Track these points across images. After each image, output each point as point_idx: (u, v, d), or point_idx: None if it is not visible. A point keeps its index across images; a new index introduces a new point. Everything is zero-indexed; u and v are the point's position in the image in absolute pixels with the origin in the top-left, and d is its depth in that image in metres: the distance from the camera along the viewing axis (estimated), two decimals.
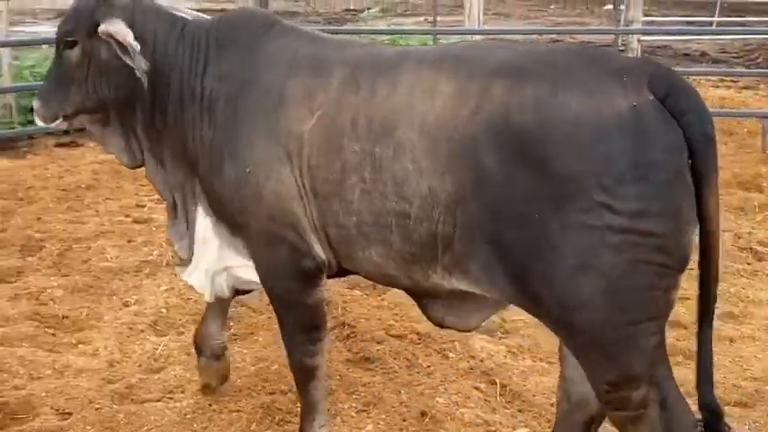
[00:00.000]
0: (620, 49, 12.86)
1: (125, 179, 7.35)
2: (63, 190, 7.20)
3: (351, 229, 3.09)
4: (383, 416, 3.93)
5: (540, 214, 2.65)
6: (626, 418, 2.78)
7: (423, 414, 3.91)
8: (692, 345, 4.64)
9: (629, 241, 2.58)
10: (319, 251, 3.25)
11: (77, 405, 3.94)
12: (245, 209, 3.28)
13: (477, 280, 2.87)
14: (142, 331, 4.72)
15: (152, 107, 3.53)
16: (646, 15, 13.07)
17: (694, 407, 2.83)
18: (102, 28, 3.41)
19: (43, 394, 4.00)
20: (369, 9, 13.35)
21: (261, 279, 3.45)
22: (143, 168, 3.77)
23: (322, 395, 3.64)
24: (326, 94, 3.11)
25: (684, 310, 5.12)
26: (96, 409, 3.91)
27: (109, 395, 4.03)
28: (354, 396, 4.10)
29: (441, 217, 2.85)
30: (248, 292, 3.93)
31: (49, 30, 13.18)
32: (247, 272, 3.53)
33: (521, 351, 4.54)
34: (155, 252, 5.75)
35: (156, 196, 5.40)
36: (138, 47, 3.38)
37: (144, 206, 6.90)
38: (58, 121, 3.64)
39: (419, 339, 4.63)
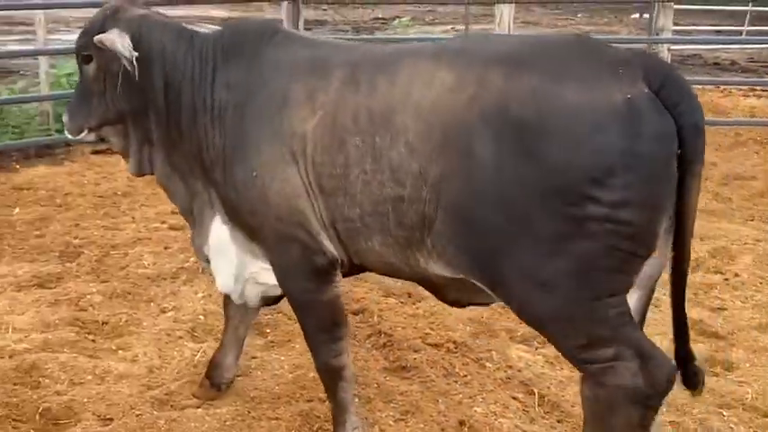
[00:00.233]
0: None
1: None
2: (100, 197, 7.25)
3: (356, 221, 3.18)
4: (421, 425, 3.91)
5: (525, 202, 2.73)
6: (596, 369, 2.87)
7: (461, 423, 3.89)
8: (731, 356, 4.65)
9: (606, 229, 2.68)
10: (330, 248, 3.33)
11: (119, 411, 3.95)
12: (255, 211, 3.37)
13: (452, 261, 2.97)
14: (180, 338, 4.72)
15: (167, 118, 3.60)
16: (674, 24, 12.97)
17: None
18: (96, 38, 3.51)
19: (85, 400, 4.01)
20: (400, 18, 13.32)
21: (278, 280, 3.53)
22: None
23: (351, 397, 3.69)
24: (327, 94, 3.20)
25: (721, 320, 5.09)
26: (137, 416, 3.91)
27: (149, 401, 4.03)
28: (392, 405, 4.07)
29: (428, 196, 2.94)
30: (276, 302, 3.95)
31: None
32: (267, 275, 3.60)
33: (558, 361, 4.49)
34: (191, 259, 5.75)
35: None
36: (130, 53, 3.45)
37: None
38: (83, 134, 3.76)
39: (456, 348, 4.61)
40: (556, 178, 2.69)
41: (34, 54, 8.89)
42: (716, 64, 13.96)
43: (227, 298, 4.04)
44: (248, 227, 3.48)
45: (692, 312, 5.13)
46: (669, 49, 12.61)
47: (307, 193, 3.25)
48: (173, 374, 4.33)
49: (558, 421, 3.98)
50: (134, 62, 3.48)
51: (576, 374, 4.38)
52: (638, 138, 2.65)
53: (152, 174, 3.83)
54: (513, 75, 2.82)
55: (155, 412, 3.95)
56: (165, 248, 6.05)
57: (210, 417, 3.93)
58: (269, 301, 3.90)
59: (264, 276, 3.62)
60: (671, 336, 4.82)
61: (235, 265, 3.65)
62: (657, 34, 11.57)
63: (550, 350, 4.66)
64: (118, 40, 3.48)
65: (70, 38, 14.95)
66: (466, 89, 2.88)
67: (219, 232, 3.63)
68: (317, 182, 3.21)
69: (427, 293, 5.11)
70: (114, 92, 3.61)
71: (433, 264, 3.08)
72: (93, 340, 4.67)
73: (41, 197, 7.21)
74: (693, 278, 5.63)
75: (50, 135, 8.67)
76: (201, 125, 3.52)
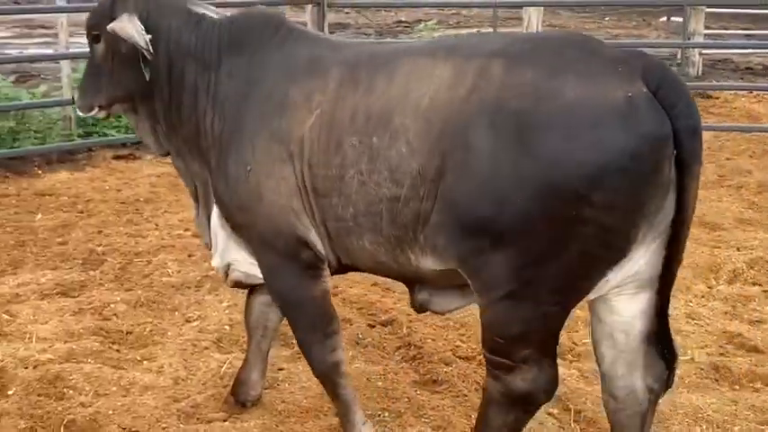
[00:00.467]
0: (679, 62, 12.68)
1: (183, 192, 7.33)
2: (122, 203, 7.25)
3: (348, 221, 3.20)
4: None
5: (521, 197, 2.74)
6: (504, 364, 3.00)
7: None
8: None
9: (589, 233, 2.73)
10: (318, 245, 3.36)
11: (144, 424, 3.92)
12: (245, 207, 3.41)
13: (443, 251, 2.99)
14: (206, 348, 4.69)
15: (169, 99, 3.66)
16: (705, 28, 12.86)
17: None
18: (109, 26, 3.54)
19: (110, 412, 3.98)
20: (426, 22, 13.30)
21: (265, 279, 3.58)
22: None
23: (352, 393, 3.72)
24: (324, 94, 3.23)
25: (761, 333, 5.01)
26: (163, 429, 3.89)
27: (175, 414, 4.01)
28: (423, 420, 4.03)
29: (426, 193, 2.96)
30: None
31: None
32: (249, 267, 3.66)
33: (594, 375, 4.42)
34: None
35: None
36: (144, 39, 3.49)
37: None
38: (94, 111, 3.84)
39: None
40: (552, 174, 2.70)
41: (57, 58, 8.88)
42: (748, 69, 13.78)
43: (247, 311, 4.03)
44: (235, 222, 3.52)
45: (731, 326, 5.07)
46: (700, 54, 12.54)
47: (300, 194, 3.28)
48: (198, 386, 4.30)
49: None
50: (149, 48, 3.51)
51: None
52: (636, 137, 2.66)
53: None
54: (513, 68, 2.84)
55: (181, 425, 3.93)
56: (189, 256, 6.04)
57: (237, 430, 3.91)
58: (241, 286, 3.93)
59: (247, 268, 3.68)
60: (709, 349, 4.79)
61: (221, 249, 3.70)
62: (689, 38, 11.48)
63: (584, 364, 4.62)
64: (130, 28, 3.51)
65: None
66: (464, 82, 2.90)
67: (217, 213, 3.67)
68: (312, 183, 3.23)
69: None
70: (122, 71, 3.67)
71: (423, 259, 3.10)
72: (117, 350, 4.66)
73: (63, 203, 7.23)
74: (731, 290, 5.57)
75: (72, 140, 8.69)
76: (201, 110, 3.58)
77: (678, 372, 4.46)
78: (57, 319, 4.92)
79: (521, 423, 3.14)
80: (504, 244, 2.83)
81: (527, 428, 3.88)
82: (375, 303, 5.22)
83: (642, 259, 2.92)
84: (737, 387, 4.47)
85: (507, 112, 2.78)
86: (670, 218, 2.85)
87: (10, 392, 4.13)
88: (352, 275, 5.45)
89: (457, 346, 4.71)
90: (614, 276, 2.92)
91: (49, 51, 12.64)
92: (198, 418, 4.03)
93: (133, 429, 3.89)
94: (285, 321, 4.89)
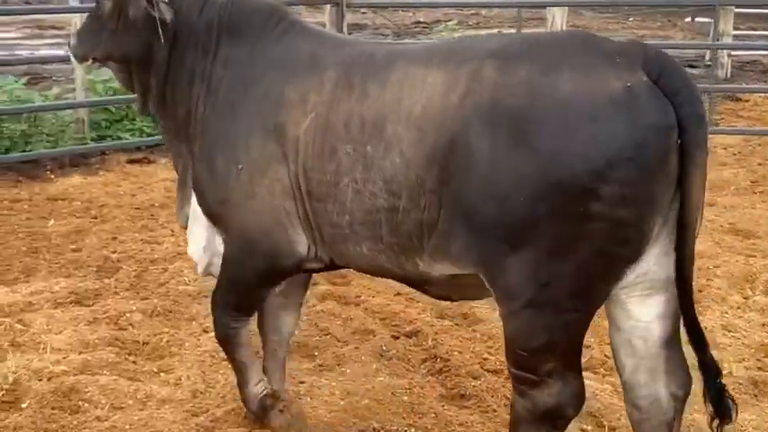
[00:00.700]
0: (708, 64, 12.57)
1: None
2: (137, 208, 7.20)
3: (344, 227, 3.20)
4: None
5: (526, 196, 2.74)
6: (529, 379, 2.98)
7: None
8: None
9: (602, 230, 2.71)
10: (302, 248, 3.37)
11: None
12: (228, 201, 3.41)
13: (458, 259, 2.98)
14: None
15: (165, 77, 3.67)
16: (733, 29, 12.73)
17: None
18: None
19: (126, 426, 3.93)
20: (446, 23, 13.25)
21: (224, 263, 3.60)
22: None
23: (250, 356, 3.86)
24: (320, 96, 3.24)
25: None
26: None
27: (194, 428, 3.94)
28: None
29: (427, 203, 2.96)
30: None
31: None
32: None
33: None
34: None
35: None
36: (170, 16, 3.55)
37: None
38: (88, 62, 3.90)
39: None
40: (555, 170, 2.69)
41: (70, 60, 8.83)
42: None
43: (260, 320, 3.98)
44: (213, 213, 3.53)
45: None
46: (729, 55, 12.42)
47: (294, 195, 3.28)
48: (218, 400, 4.23)
49: None
50: (165, 23, 3.55)
51: None
52: (638, 126, 2.65)
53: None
54: (506, 68, 2.85)
55: None
56: None
57: None
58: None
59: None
60: (747, 363, 4.70)
61: (206, 236, 3.68)
62: (718, 39, 11.37)
63: (618, 378, 4.51)
64: (167, 10, 3.55)
65: None
66: (457, 89, 2.90)
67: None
68: (307, 186, 3.25)
69: (485, 315, 5.06)
70: (124, 34, 3.68)
71: (435, 265, 3.08)
72: (133, 362, 4.60)
73: (77, 208, 7.18)
74: None
75: (86, 144, 8.65)
76: (195, 96, 3.59)
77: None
78: (71, 329, 4.86)
79: None
80: (516, 247, 2.81)
81: None
82: (398, 314, 5.15)
83: (652, 258, 2.89)
84: None
85: (503, 112, 2.79)
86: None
87: (24, 405, 4.08)
88: (374, 285, 5.44)
89: (485, 359, 4.64)
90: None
91: (61, 52, 12.62)
92: None
93: None
94: (305, 332, 4.90)
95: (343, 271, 4.51)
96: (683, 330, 3.08)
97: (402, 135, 2.98)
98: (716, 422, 3.12)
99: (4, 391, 4.15)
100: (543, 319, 2.89)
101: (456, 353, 4.68)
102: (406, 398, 4.25)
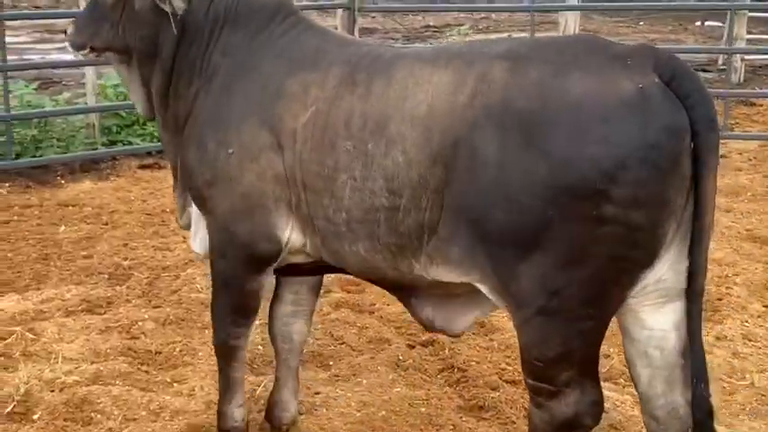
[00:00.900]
0: (722, 67, 12.48)
1: None
2: (148, 214, 7.14)
3: (340, 225, 3.14)
4: None
5: (536, 200, 2.68)
6: (546, 390, 2.90)
7: None
8: None
9: (616, 234, 2.65)
10: (282, 234, 3.31)
11: None
12: (218, 183, 3.34)
13: (459, 264, 2.92)
14: None
15: (170, 71, 3.59)
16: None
17: None
18: None
19: None
20: (458, 27, 13.20)
21: (211, 255, 3.53)
22: None
23: (241, 376, 3.76)
24: (322, 91, 3.18)
25: None
26: None
27: None
28: None
29: (429, 203, 2.91)
30: None
31: None
32: None
33: None
34: None
35: None
36: (182, 9, 3.45)
37: None
38: (85, 51, 3.79)
39: None
40: (565, 172, 2.63)
41: (80, 64, 8.80)
42: None
43: (271, 324, 3.91)
44: (200, 195, 3.46)
45: None
46: (743, 59, 12.33)
47: (287, 183, 3.22)
48: None
49: None
50: (176, 17, 3.47)
51: None
52: (651, 128, 2.61)
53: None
54: (517, 69, 2.81)
55: None
56: None
57: None
58: None
59: None
60: None
61: (202, 234, 3.61)
62: (732, 44, 11.27)
63: None
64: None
65: None
66: (466, 88, 2.86)
67: None
68: (303, 178, 3.19)
69: (501, 325, 4.98)
70: (129, 26, 3.61)
71: (431, 269, 3.02)
72: (146, 372, 4.53)
73: (88, 214, 7.13)
74: None
75: (96, 149, 8.61)
76: (195, 86, 3.52)
77: (739, 398, 4.38)
78: (83, 338, 4.80)
79: None
80: (528, 252, 2.75)
81: None
82: (414, 322, 5.00)
83: (665, 265, 2.83)
84: None
85: (514, 114, 2.73)
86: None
87: (35, 417, 4.01)
88: (389, 293, 5.35)
89: (503, 369, 4.56)
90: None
91: (71, 57, 12.59)
92: None
93: None
94: (320, 341, 4.83)
95: (357, 279, 4.44)
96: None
97: (406, 134, 2.94)
98: None
99: (15, 403, 4.09)
100: (557, 327, 2.83)
101: (473, 363, 4.60)
102: (423, 409, 4.17)
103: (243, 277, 3.47)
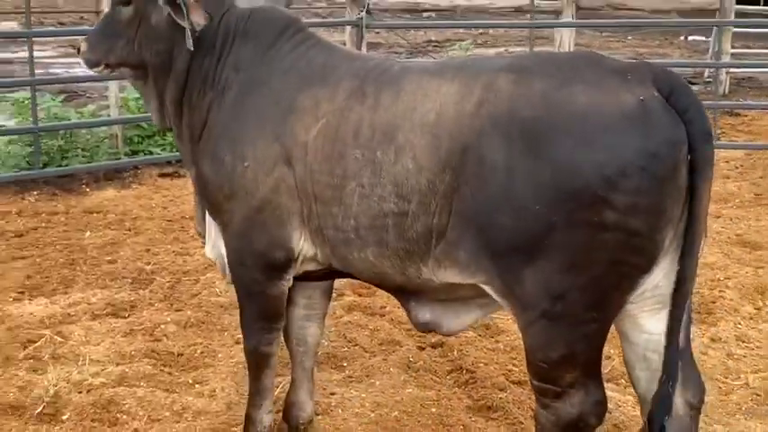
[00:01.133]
0: (709, 80, 12.39)
1: None
2: (168, 220, 7.06)
3: (349, 232, 3.07)
4: None
5: (539, 205, 2.64)
6: (551, 391, 2.85)
7: None
8: None
9: (616, 239, 2.61)
10: (294, 243, 3.24)
11: None
12: (234, 195, 3.27)
13: (466, 267, 2.86)
14: None
15: (184, 83, 3.49)
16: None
17: None
18: (191, 3, 3.37)
19: None
20: (460, 42, 13.12)
21: (229, 263, 3.45)
22: None
23: (271, 382, 3.66)
24: (332, 104, 3.12)
25: None
26: None
27: None
28: None
29: (437, 208, 2.85)
30: None
31: None
32: None
33: None
34: None
35: None
36: (192, 3, 3.35)
37: None
38: (99, 68, 3.66)
39: None
40: (569, 179, 2.60)
41: (104, 79, 8.73)
42: None
43: (286, 332, 3.80)
44: (218, 207, 3.37)
45: None
46: (727, 72, 12.26)
47: (299, 196, 3.14)
48: None
49: None
50: (194, 35, 3.36)
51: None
52: (651, 138, 2.59)
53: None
54: (522, 80, 2.77)
55: None
56: None
57: None
58: None
59: None
60: (763, 373, 4.52)
61: (215, 238, 3.54)
62: (717, 58, 11.19)
63: None
64: (201, 13, 3.39)
65: None
66: (471, 98, 2.82)
67: None
68: (312, 189, 3.12)
69: (507, 327, 4.90)
70: (145, 41, 3.51)
71: (439, 272, 2.95)
72: (169, 373, 4.44)
73: (111, 221, 7.05)
74: None
75: (119, 159, 8.54)
76: (208, 97, 3.43)
77: (735, 398, 4.30)
78: (109, 341, 4.72)
79: None
80: (532, 256, 2.70)
81: None
82: None
83: (661, 272, 2.79)
84: None
85: (519, 122, 2.69)
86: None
87: (64, 417, 3.94)
88: None
89: (509, 371, 4.47)
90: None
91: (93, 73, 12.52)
92: None
93: None
94: (334, 343, 4.75)
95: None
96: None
97: (415, 142, 2.88)
98: None
99: (45, 404, 4.01)
100: (561, 330, 2.77)
101: (481, 364, 4.52)
102: (434, 410, 4.09)
103: (264, 283, 3.38)
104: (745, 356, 4.74)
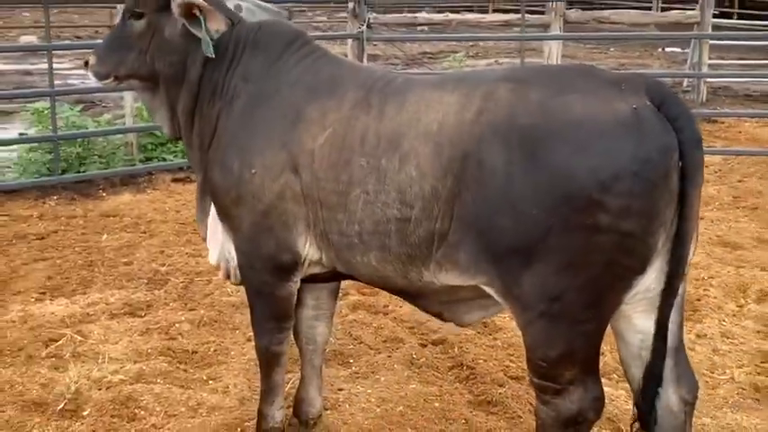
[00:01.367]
0: (688, 89, 12.34)
1: None
2: (181, 224, 6.97)
3: (353, 237, 3.02)
4: None
5: (536, 209, 2.60)
6: (551, 388, 2.81)
7: None
8: None
9: (610, 241, 2.57)
10: (300, 246, 3.18)
11: None
12: (242, 201, 3.20)
13: (466, 269, 2.82)
14: None
15: (197, 93, 3.40)
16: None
17: None
18: (217, 16, 3.30)
19: None
20: (454, 54, 13.05)
21: (239, 266, 3.38)
22: None
23: (282, 379, 3.60)
24: (339, 113, 3.06)
25: None
26: None
27: None
28: None
29: (440, 213, 2.80)
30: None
31: None
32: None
33: None
34: None
35: None
36: (211, 11, 3.27)
37: None
38: (108, 80, 3.55)
39: None
40: (565, 183, 2.55)
41: (121, 89, 8.65)
42: (747, 96, 13.42)
43: (296, 332, 3.74)
44: (227, 213, 3.29)
45: (765, 345, 4.74)
46: (705, 82, 12.20)
47: (304, 202, 3.08)
48: None
49: None
50: (211, 46, 3.28)
51: None
52: (644, 145, 2.56)
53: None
54: (519, 90, 2.74)
55: None
56: None
57: None
58: None
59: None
60: (747, 368, 4.46)
61: (219, 244, 3.45)
62: (697, 68, 11.14)
63: None
64: (222, 21, 3.31)
65: None
66: (471, 107, 2.78)
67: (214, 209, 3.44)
68: (318, 195, 3.05)
69: (504, 324, 4.83)
70: (157, 52, 3.41)
71: (440, 274, 2.90)
72: (184, 370, 4.37)
73: (127, 224, 6.96)
74: (761, 309, 5.23)
75: (134, 165, 8.46)
76: (218, 107, 3.34)
77: (721, 392, 4.24)
78: (126, 340, 4.65)
79: None
80: (530, 258, 2.65)
81: None
82: (425, 323, 4.92)
83: (653, 273, 2.73)
84: None
85: (518, 129, 2.66)
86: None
87: (85, 413, 3.87)
88: None
89: (507, 367, 4.41)
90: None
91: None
92: None
93: None
94: (340, 340, 4.68)
95: None
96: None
97: (419, 150, 2.83)
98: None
99: (66, 401, 3.94)
100: (559, 329, 2.72)
101: (481, 360, 4.45)
102: (437, 404, 4.02)
103: (273, 285, 3.31)
104: (729, 352, 4.68)
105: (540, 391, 2.85)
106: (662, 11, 16.07)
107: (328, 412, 3.94)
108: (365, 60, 9.13)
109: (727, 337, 4.87)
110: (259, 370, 3.58)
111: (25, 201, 7.43)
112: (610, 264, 2.62)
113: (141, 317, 5.03)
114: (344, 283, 4.66)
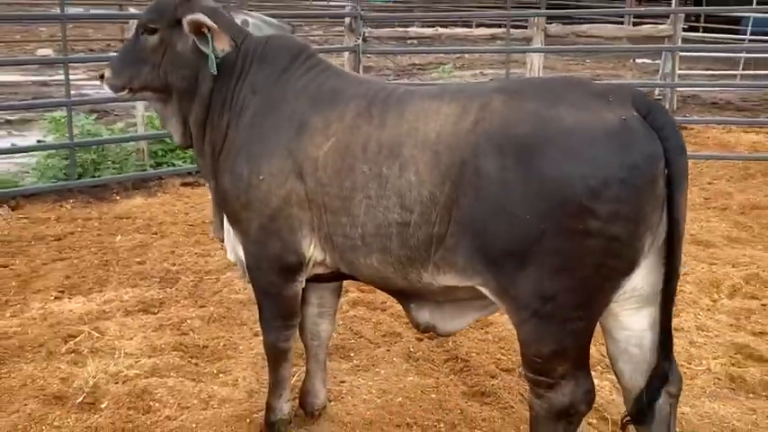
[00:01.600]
0: (658, 97, 12.32)
1: None
2: (190, 225, 6.90)
3: (356, 239, 2.98)
4: None
5: (530, 215, 2.57)
6: (544, 382, 2.78)
7: None
8: None
9: (600, 245, 2.54)
10: (305, 249, 3.13)
11: None
12: (250, 205, 3.15)
13: (463, 271, 2.78)
14: None
15: (208, 105, 3.34)
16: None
17: None
18: (189, 18, 3.22)
19: (194, 425, 3.64)
20: (444, 65, 13.00)
21: (247, 266, 3.33)
22: None
23: (289, 373, 3.55)
24: (342, 123, 3.02)
25: (766, 345, 4.64)
26: None
27: (254, 427, 3.65)
28: (476, 431, 3.67)
29: (438, 218, 2.76)
30: None
31: None
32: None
33: None
34: None
35: None
36: (218, 31, 3.22)
37: None
38: (123, 92, 3.48)
39: None
40: (557, 189, 2.54)
41: (134, 100, 8.57)
42: (713, 103, 13.42)
43: (301, 328, 3.69)
44: (236, 217, 3.24)
45: (738, 337, 4.71)
46: (674, 91, 12.19)
47: (309, 207, 3.03)
48: None
49: None
50: (215, 63, 3.23)
51: None
52: (632, 153, 2.54)
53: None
54: (513, 101, 2.71)
55: None
56: None
57: None
58: None
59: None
60: (722, 360, 4.43)
61: (234, 243, 3.41)
62: (670, 79, 11.11)
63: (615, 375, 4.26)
64: (227, 40, 3.25)
65: None
66: (468, 117, 2.75)
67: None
68: (323, 200, 3.01)
69: (494, 319, 4.78)
70: (169, 66, 3.35)
71: (438, 276, 2.85)
72: (196, 364, 4.31)
73: (139, 226, 6.88)
74: (733, 304, 5.21)
75: (145, 170, 8.38)
76: (227, 117, 3.29)
77: (699, 382, 4.21)
78: (141, 335, 4.58)
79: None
80: (522, 260, 2.62)
81: None
82: None
83: (640, 274, 2.71)
84: (752, 395, 4.12)
85: (512, 138, 2.63)
86: (664, 234, 2.67)
87: (102, 406, 3.80)
88: None
89: (498, 359, 4.36)
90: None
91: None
92: None
93: None
94: (342, 335, 4.62)
95: None
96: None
97: (418, 157, 2.79)
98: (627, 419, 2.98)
99: (85, 394, 3.87)
100: (552, 327, 2.69)
101: (474, 354, 4.40)
102: (434, 395, 3.97)
103: (279, 285, 3.27)
104: (705, 344, 4.65)
105: (534, 384, 2.82)
106: (634, 25, 16.03)
107: (332, 403, 3.89)
108: (361, 72, 9.08)
109: (703, 330, 4.84)
110: (267, 364, 3.53)
111: (43, 204, 7.35)
112: (599, 266, 2.59)
113: (154, 314, 4.96)
114: (345, 281, 4.62)
